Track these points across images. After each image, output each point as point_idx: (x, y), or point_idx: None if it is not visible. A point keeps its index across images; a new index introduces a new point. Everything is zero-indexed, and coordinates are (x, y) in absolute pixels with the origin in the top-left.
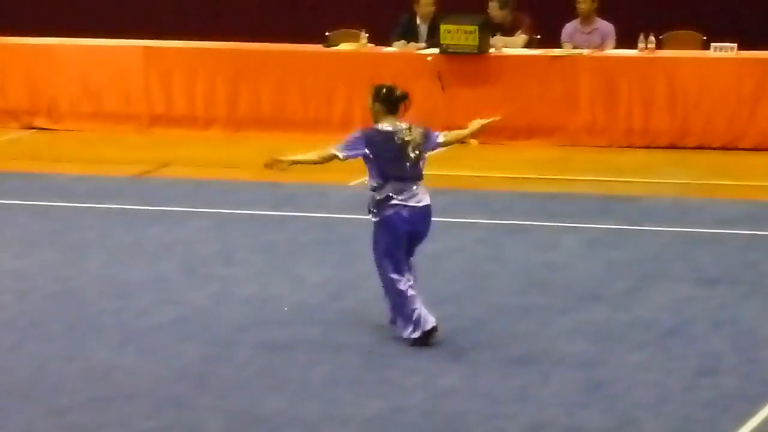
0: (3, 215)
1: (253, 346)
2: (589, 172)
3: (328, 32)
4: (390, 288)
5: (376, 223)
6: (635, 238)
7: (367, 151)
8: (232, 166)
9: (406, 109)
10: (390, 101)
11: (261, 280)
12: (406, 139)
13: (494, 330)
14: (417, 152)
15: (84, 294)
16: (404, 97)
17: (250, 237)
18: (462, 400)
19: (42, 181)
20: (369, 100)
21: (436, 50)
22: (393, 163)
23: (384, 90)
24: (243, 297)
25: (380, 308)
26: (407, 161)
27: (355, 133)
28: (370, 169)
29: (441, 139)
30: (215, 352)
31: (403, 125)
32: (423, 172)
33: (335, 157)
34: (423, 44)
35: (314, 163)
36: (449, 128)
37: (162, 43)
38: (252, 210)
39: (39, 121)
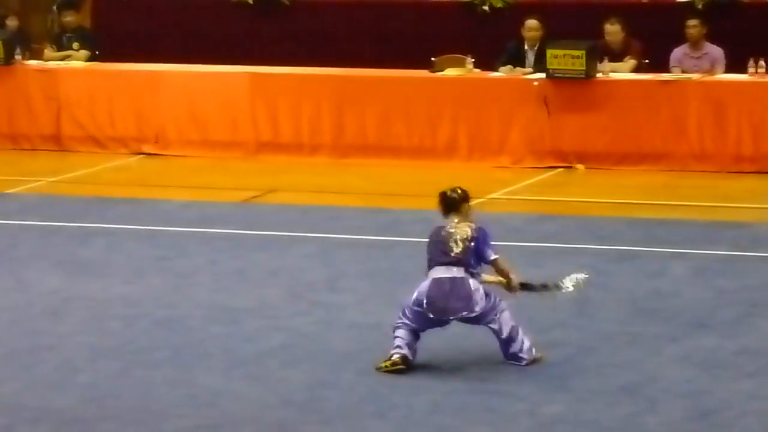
0: (111, 241)
1: (357, 373)
2: (698, 198)
3: (434, 58)
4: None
5: None
6: (744, 264)
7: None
8: (337, 192)
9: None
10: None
11: (365, 307)
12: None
13: (601, 357)
14: (463, 245)
15: (191, 320)
16: (454, 199)
17: (355, 263)
18: (568, 429)
19: (149, 207)
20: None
21: (542, 75)
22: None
23: (439, 195)
24: (348, 323)
25: (485, 334)
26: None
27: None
28: None
29: (491, 257)
30: (320, 378)
31: (455, 220)
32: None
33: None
34: (529, 69)
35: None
36: (555, 154)
37: (268, 70)
38: (357, 236)
39: (147, 148)
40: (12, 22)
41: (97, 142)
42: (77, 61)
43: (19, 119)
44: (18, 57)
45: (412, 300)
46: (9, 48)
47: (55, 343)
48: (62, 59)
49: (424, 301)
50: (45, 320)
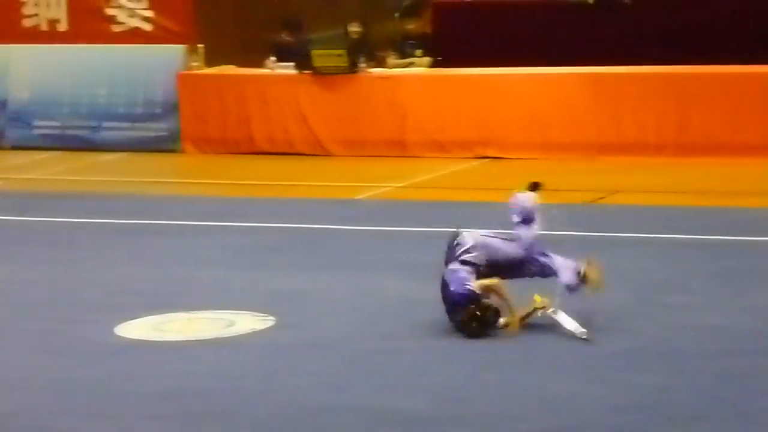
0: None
1: (710, 376)
2: None
3: None
4: None
5: None
6: None
7: None
8: (682, 191)
9: None
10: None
11: (714, 308)
12: None
13: None
14: None
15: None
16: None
17: (702, 263)
18: None
19: (492, 210)
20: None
21: None
22: None
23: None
24: (696, 325)
25: None
26: None
27: None
28: None
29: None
30: (671, 381)
31: None
32: None
33: None
34: None
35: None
36: None
37: (610, 70)
38: (703, 235)
39: (489, 151)
40: (354, 29)
41: (441, 147)
42: (420, 68)
43: (364, 126)
44: (362, 65)
45: None
46: (353, 56)
47: (404, 346)
48: (405, 66)
49: None
50: (393, 323)
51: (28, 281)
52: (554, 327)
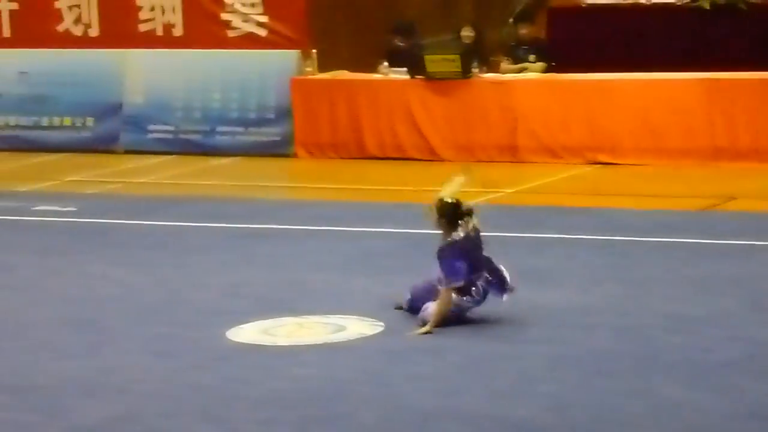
0: (567, 250)
1: None
2: None
3: None
4: None
5: None
6: None
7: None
8: None
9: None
10: (454, 217)
11: None
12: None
13: None
14: None
15: (649, 329)
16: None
17: None
18: None
19: (604, 216)
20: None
21: None
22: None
23: (448, 207)
24: None
25: None
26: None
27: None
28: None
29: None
30: None
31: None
32: None
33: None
34: None
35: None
36: None
37: (725, 75)
38: None
39: (602, 157)
40: (467, 33)
41: (553, 153)
42: (533, 73)
43: (476, 131)
44: (475, 70)
45: None
46: (466, 61)
47: (514, 352)
48: (518, 71)
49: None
50: (506, 329)
51: (140, 285)
52: (665, 334)
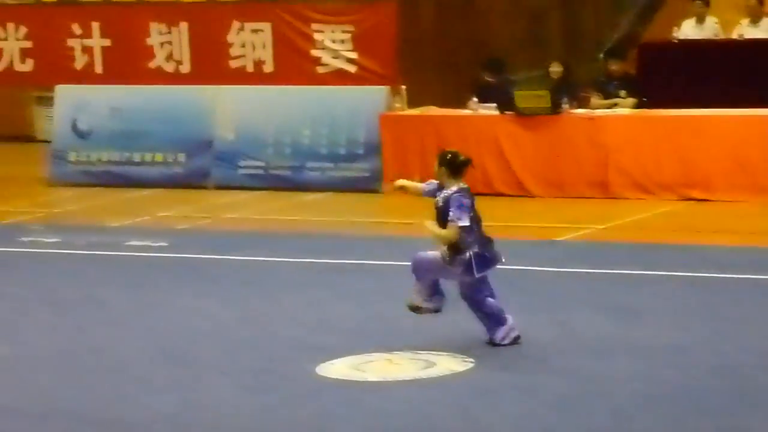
0: (659, 287)
1: None
2: None
3: None
4: None
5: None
6: None
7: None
8: None
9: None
10: (454, 166)
11: None
12: None
13: None
14: None
15: (745, 368)
16: (467, 162)
17: None
18: None
19: (697, 252)
20: (435, 165)
21: None
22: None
23: (449, 155)
24: None
25: None
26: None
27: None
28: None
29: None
30: None
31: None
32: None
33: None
34: None
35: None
36: None
37: None
38: None
39: (694, 193)
40: (555, 68)
41: (644, 189)
42: (624, 109)
43: (566, 167)
44: (565, 105)
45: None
46: (556, 97)
47: (605, 389)
48: (609, 107)
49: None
50: (598, 366)
51: (231, 319)
52: (761, 373)
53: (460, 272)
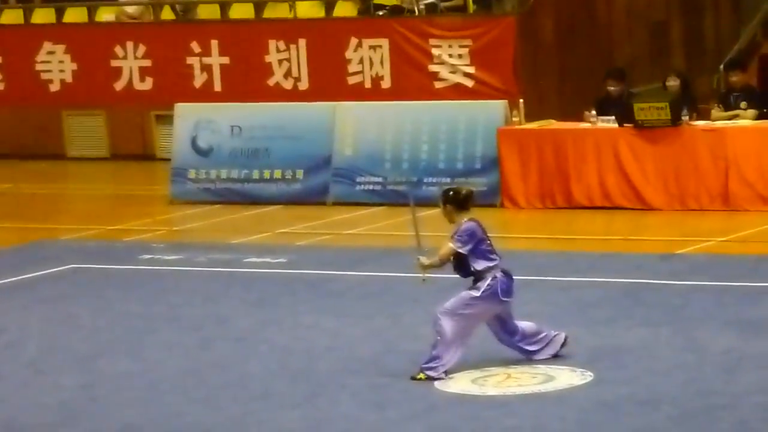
0: None
1: None
2: None
3: None
4: None
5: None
6: None
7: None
8: None
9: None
10: (458, 201)
11: None
12: None
13: None
14: None
15: None
16: (470, 194)
17: None
18: None
19: None
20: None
21: None
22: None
23: (451, 192)
24: None
25: None
26: None
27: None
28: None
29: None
30: None
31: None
32: None
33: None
34: None
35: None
36: None
37: None
38: None
39: None
40: (672, 82)
41: (766, 200)
42: (745, 120)
43: (687, 179)
44: (685, 117)
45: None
46: (676, 109)
47: (729, 402)
48: (730, 119)
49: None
50: (719, 380)
51: (353, 335)
52: None
53: (486, 296)
